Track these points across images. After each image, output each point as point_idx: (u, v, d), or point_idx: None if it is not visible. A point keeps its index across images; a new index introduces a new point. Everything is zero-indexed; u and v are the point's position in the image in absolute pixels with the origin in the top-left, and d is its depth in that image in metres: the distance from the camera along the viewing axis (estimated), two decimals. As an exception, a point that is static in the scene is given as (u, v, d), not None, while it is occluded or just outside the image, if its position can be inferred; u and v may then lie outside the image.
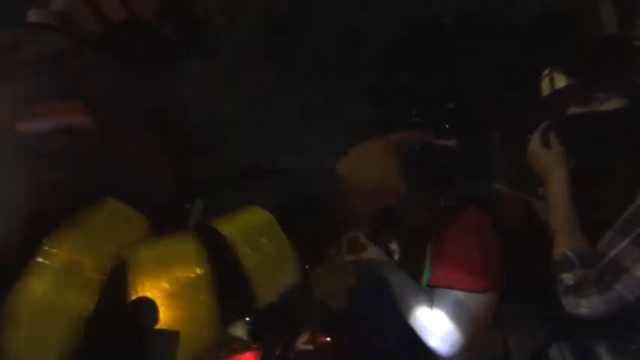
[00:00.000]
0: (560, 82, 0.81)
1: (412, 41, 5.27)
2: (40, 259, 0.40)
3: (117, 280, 0.42)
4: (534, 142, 0.85)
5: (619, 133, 0.78)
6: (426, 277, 0.91)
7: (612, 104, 0.78)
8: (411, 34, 5.02)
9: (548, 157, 0.82)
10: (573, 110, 0.81)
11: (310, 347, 1.20)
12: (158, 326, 0.42)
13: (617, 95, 0.78)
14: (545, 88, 0.84)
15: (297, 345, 1.24)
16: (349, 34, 4.89)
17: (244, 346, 1.22)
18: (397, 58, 5.47)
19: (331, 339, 1.19)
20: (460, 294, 0.81)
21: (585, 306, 0.72)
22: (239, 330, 1.33)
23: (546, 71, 0.83)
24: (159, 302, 0.41)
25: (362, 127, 6.63)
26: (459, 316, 0.80)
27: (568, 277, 0.75)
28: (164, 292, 0.41)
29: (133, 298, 0.41)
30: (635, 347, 0.76)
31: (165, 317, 0.42)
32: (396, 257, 1.05)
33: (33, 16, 0.66)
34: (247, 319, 1.31)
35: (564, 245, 0.77)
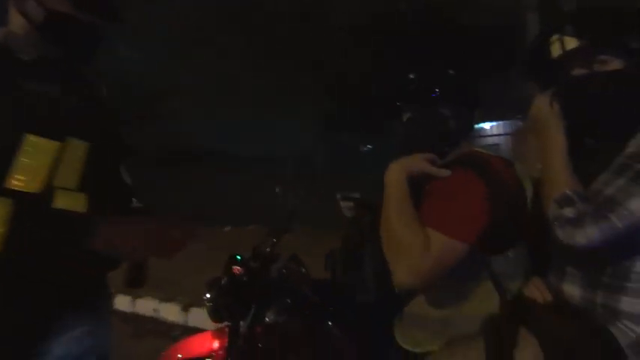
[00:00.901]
0: (571, 44, 0.84)
1: (375, 30, 5.30)
2: None
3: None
4: (541, 100, 0.90)
5: (617, 91, 0.82)
6: None
7: (613, 65, 0.82)
8: (375, 23, 5.05)
9: (548, 114, 0.88)
10: (578, 71, 0.85)
11: (282, 318, 1.17)
12: None
13: (619, 57, 0.82)
14: (556, 50, 0.87)
15: (267, 318, 1.20)
16: (313, 16, 4.76)
17: None
18: (361, 46, 5.47)
19: (307, 311, 1.17)
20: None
21: (582, 236, 0.77)
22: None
23: (556, 35, 0.87)
24: None
25: (315, 115, 6.60)
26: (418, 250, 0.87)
27: (569, 211, 0.80)
28: None
29: None
30: (606, 279, 0.86)
31: None
32: None
33: None
34: (207, 296, 1.25)
35: (563, 187, 0.82)
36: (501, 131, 7.68)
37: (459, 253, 0.88)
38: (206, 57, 5.23)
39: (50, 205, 0.70)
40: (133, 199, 0.97)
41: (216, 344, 1.34)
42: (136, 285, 0.92)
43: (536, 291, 0.98)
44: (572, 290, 0.91)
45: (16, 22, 0.78)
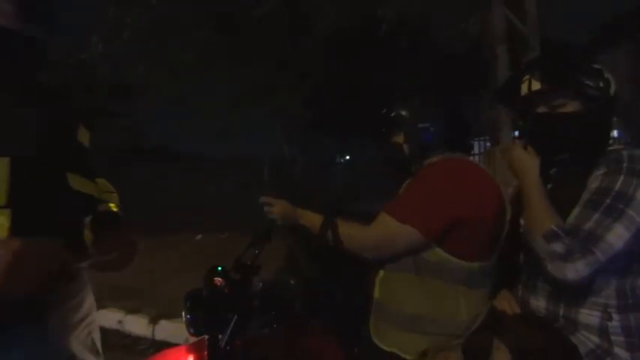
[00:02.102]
0: (535, 85, 0.98)
1: (353, 36, 5.49)
2: None
3: None
4: (517, 149, 1.03)
5: (573, 130, 0.96)
6: None
7: (571, 107, 0.96)
8: (353, 30, 5.25)
9: (526, 160, 1.00)
10: (542, 109, 0.99)
11: (265, 330, 1.17)
12: None
13: (577, 100, 0.96)
14: (524, 89, 1.01)
15: (249, 331, 1.19)
16: (294, 19, 4.86)
17: None
18: (337, 50, 5.63)
19: (289, 322, 1.17)
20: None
21: (573, 271, 0.84)
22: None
23: (527, 76, 1.01)
24: None
25: (290, 117, 6.65)
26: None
27: (558, 247, 0.87)
28: None
29: None
30: (568, 293, 0.95)
31: None
32: None
33: None
34: (186, 308, 1.22)
35: (547, 222, 0.90)
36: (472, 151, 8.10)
37: (408, 237, 1.02)
38: (182, 56, 5.15)
39: None
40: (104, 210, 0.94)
41: (190, 359, 1.31)
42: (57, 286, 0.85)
43: (505, 303, 1.06)
44: (538, 303, 1.00)
45: None
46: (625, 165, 0.89)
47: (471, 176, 1.07)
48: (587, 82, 0.94)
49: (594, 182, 0.92)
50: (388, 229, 1.05)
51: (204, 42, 4.61)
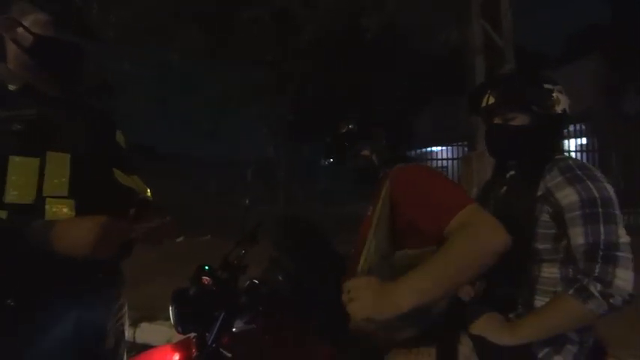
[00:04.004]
0: (491, 100, 1.13)
1: (339, 42, 5.60)
2: None
3: None
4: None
5: (520, 140, 1.10)
6: None
7: (520, 120, 1.10)
8: (339, 35, 5.36)
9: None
10: (497, 121, 1.14)
11: (252, 326, 1.21)
12: None
13: (523, 115, 1.10)
14: (484, 102, 1.16)
15: (235, 327, 1.23)
16: (284, 23, 4.92)
17: None
18: (323, 54, 5.72)
19: (272, 317, 1.22)
20: None
21: (627, 283, 0.89)
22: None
23: (489, 90, 1.17)
24: None
25: (277, 119, 6.68)
26: None
27: (593, 303, 0.89)
28: None
29: None
30: (499, 291, 1.06)
31: None
32: None
33: None
34: (173, 306, 1.25)
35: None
36: (450, 155, 8.34)
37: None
38: (169, 58, 5.12)
39: (42, 213, 0.80)
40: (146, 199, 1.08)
41: (176, 357, 1.33)
42: (122, 257, 0.99)
43: (466, 296, 1.15)
44: (499, 292, 1.10)
45: (10, 48, 0.91)
46: (580, 172, 1.00)
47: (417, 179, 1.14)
48: (532, 101, 1.08)
49: (559, 191, 1.01)
50: (471, 219, 0.85)
51: (191, 43, 4.61)
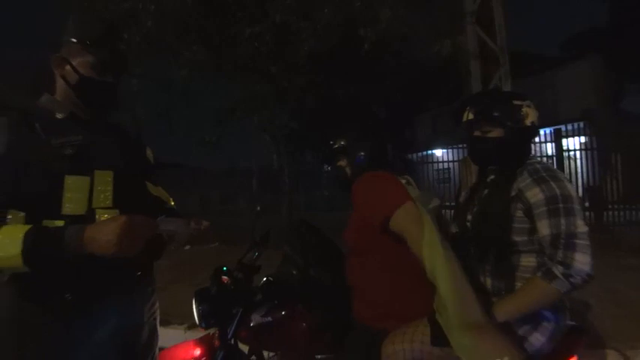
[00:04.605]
0: (470, 116, 1.30)
1: (337, 54, 5.74)
2: None
3: None
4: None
5: (496, 150, 1.27)
6: None
7: (495, 133, 1.27)
8: (338, 48, 5.51)
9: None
10: (476, 133, 1.31)
11: (269, 319, 1.32)
12: None
13: (498, 128, 1.26)
14: (464, 117, 1.33)
15: (253, 321, 1.34)
16: (284, 35, 5.08)
17: None
18: (322, 65, 5.85)
19: (289, 310, 1.33)
20: None
21: (584, 269, 1.05)
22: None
23: (468, 107, 1.33)
24: None
25: (279, 129, 6.82)
26: None
27: (559, 282, 1.06)
28: None
29: None
30: (487, 266, 1.24)
31: None
32: None
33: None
34: (196, 304, 1.35)
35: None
36: (450, 158, 8.43)
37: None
38: (168, 67, 5.27)
39: (93, 221, 0.92)
40: (168, 205, 1.19)
41: (197, 352, 1.44)
42: (155, 257, 1.09)
43: None
44: (485, 280, 1.24)
45: (60, 84, 1.04)
46: (545, 174, 1.16)
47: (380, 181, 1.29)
48: (503, 117, 1.23)
49: (528, 191, 1.16)
50: (411, 216, 1.11)
51: (195, 57, 4.76)
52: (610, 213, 6.27)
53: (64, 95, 1.03)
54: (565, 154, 6.42)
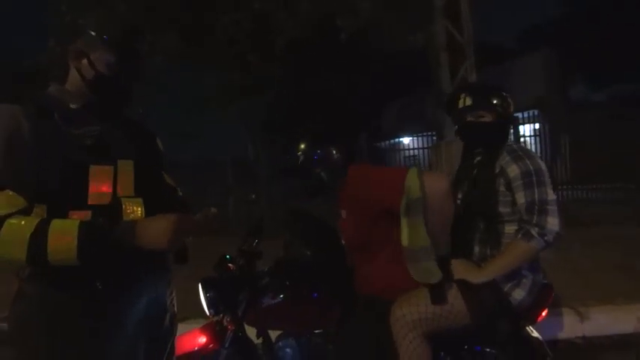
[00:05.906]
0: (467, 102, 1.47)
1: (315, 44, 5.72)
2: None
3: None
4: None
5: (487, 133, 1.47)
6: None
7: (487, 117, 1.46)
8: (315, 38, 5.50)
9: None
10: (470, 118, 1.49)
11: (278, 300, 1.41)
12: None
13: (491, 113, 1.45)
14: (460, 104, 1.49)
15: (261, 303, 1.42)
16: (263, 24, 4.98)
17: None
18: (299, 56, 5.82)
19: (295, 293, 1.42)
20: None
21: (554, 229, 1.28)
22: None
23: (463, 94, 1.49)
24: None
25: (255, 119, 6.74)
26: None
27: (535, 241, 1.28)
28: None
29: None
30: (475, 235, 1.43)
31: None
32: None
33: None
34: (203, 293, 1.40)
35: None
36: (418, 145, 8.80)
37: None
38: (147, 59, 5.05)
39: (118, 210, 0.93)
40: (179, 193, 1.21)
41: (203, 339, 1.49)
42: (180, 261, 1.12)
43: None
44: (474, 247, 1.43)
45: (73, 75, 1.03)
46: (520, 153, 1.37)
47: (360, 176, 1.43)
48: (497, 103, 1.43)
49: (508, 167, 1.37)
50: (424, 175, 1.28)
51: (169, 46, 4.58)
52: (560, 192, 6.94)
53: (76, 88, 1.01)
54: (521, 139, 6.96)
